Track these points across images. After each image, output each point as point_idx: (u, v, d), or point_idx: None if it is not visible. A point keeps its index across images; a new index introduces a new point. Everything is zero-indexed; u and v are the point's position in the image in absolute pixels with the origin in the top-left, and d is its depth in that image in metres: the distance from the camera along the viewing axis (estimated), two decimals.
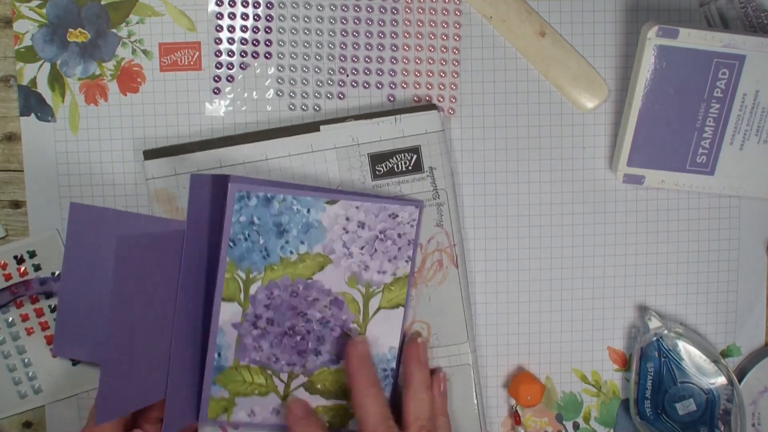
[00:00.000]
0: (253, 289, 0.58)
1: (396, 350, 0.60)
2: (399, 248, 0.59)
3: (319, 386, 0.60)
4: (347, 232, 0.59)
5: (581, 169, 0.64)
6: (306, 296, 0.59)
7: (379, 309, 0.60)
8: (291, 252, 0.58)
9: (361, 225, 0.59)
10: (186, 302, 0.56)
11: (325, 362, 0.59)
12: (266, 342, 0.58)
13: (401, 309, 0.60)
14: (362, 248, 0.59)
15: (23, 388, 0.64)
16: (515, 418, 0.65)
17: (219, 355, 0.58)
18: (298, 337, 0.59)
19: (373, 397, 0.55)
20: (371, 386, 0.56)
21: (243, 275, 0.58)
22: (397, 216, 0.59)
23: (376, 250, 0.59)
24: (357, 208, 0.58)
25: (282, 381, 0.59)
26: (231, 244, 0.57)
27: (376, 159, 0.61)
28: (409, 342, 0.60)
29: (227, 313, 0.58)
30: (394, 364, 0.60)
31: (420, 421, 0.56)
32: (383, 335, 0.60)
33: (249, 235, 0.57)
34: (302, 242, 0.58)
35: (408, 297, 0.60)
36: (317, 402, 0.60)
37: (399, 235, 0.59)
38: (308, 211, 0.58)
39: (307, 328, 0.59)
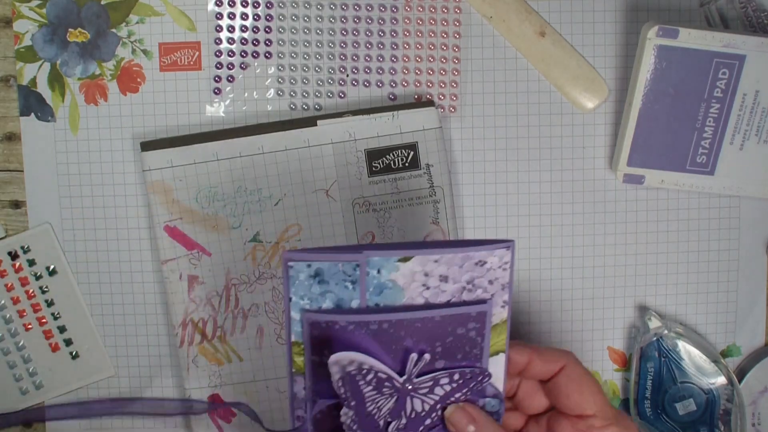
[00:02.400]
0: None
1: (502, 394, 0.53)
2: (492, 295, 0.51)
3: None
4: (428, 288, 0.50)
5: (581, 169, 0.64)
6: None
7: None
8: None
9: (444, 278, 0.50)
10: None
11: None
12: None
13: (502, 355, 0.52)
14: (448, 302, 0.51)
15: (24, 384, 0.64)
16: None
17: None
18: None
19: None
20: None
21: None
22: (485, 263, 0.50)
23: (464, 302, 0.51)
24: (436, 261, 0.50)
25: None
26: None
27: (373, 155, 0.61)
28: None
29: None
30: (502, 409, 0.53)
31: None
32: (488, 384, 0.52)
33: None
34: (377, 305, 0.50)
35: (507, 342, 0.52)
36: None
37: (490, 282, 0.51)
38: (378, 272, 0.49)
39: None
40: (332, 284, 0.50)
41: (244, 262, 0.62)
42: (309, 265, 0.49)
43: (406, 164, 0.61)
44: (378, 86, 0.63)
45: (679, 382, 0.63)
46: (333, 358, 0.49)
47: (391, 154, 0.61)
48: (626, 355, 0.66)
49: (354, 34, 0.63)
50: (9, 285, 0.63)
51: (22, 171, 0.63)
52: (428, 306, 0.50)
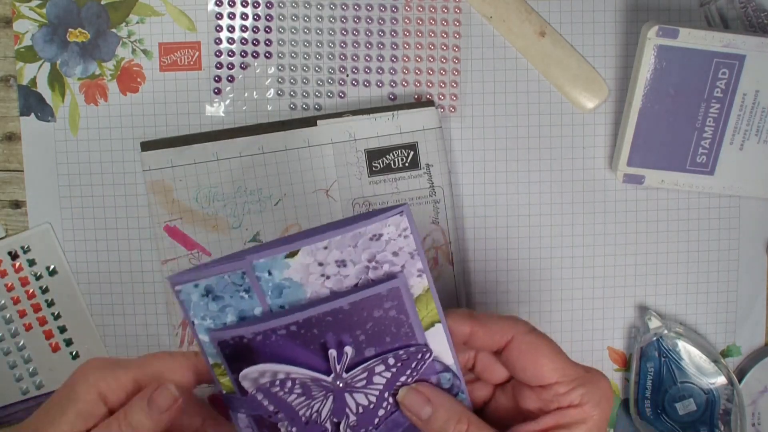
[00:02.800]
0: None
1: (455, 366, 0.49)
2: (402, 266, 0.47)
3: None
4: (328, 277, 0.46)
5: (581, 169, 0.64)
6: None
7: None
8: None
9: (342, 263, 0.46)
10: None
11: None
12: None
13: (439, 326, 0.48)
14: (356, 286, 0.47)
15: (25, 384, 0.64)
16: None
17: None
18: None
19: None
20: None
21: None
22: (381, 235, 0.46)
23: (373, 281, 0.47)
24: (325, 248, 0.46)
25: None
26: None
27: (373, 155, 0.61)
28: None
29: None
30: (459, 382, 0.49)
31: None
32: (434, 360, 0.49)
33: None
34: (282, 307, 0.46)
35: (439, 310, 0.48)
36: None
37: (395, 253, 0.47)
38: (269, 273, 0.46)
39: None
40: (227, 298, 0.47)
41: None
42: (196, 285, 0.46)
43: (406, 164, 0.61)
44: (378, 86, 0.63)
45: (679, 382, 0.63)
46: (241, 374, 0.46)
47: (391, 154, 0.61)
48: (626, 355, 0.66)
49: (354, 34, 0.63)
50: (9, 285, 0.63)
51: (22, 171, 0.63)
52: (335, 295, 0.47)
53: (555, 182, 0.64)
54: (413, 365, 0.47)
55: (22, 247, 0.63)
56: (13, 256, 0.63)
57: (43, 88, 0.62)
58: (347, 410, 0.48)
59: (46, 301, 0.63)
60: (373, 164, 0.61)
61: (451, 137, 0.63)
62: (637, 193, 0.64)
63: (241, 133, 0.61)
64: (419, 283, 0.47)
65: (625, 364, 0.66)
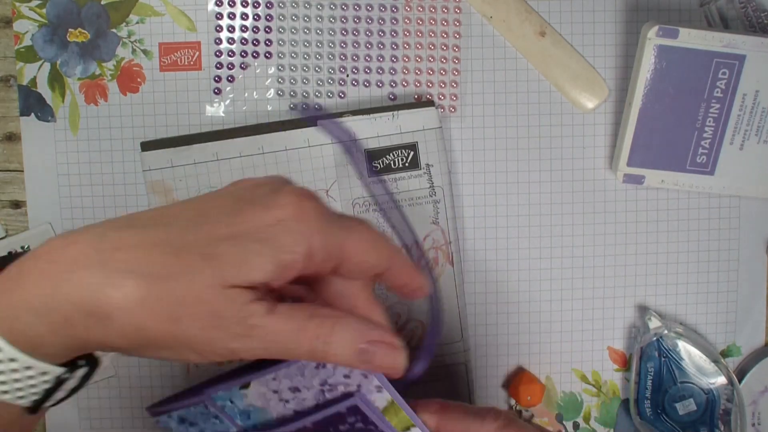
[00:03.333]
0: None
1: None
2: (358, 386, 0.45)
3: None
4: (287, 401, 0.46)
5: (581, 169, 0.64)
6: None
7: None
8: None
9: (295, 389, 0.46)
10: None
11: None
12: None
13: (415, 429, 0.47)
14: (317, 406, 0.46)
15: None
16: None
17: None
18: None
19: None
20: None
21: None
22: (324, 365, 0.45)
23: (330, 401, 0.46)
24: (274, 379, 0.45)
25: None
26: None
27: (373, 155, 0.61)
28: None
29: None
30: None
31: None
32: None
33: None
34: (255, 426, 0.47)
35: (411, 416, 0.46)
36: None
37: (346, 376, 0.45)
38: (231, 402, 0.47)
39: None
40: (201, 423, 0.48)
41: None
42: (170, 416, 0.49)
43: (406, 164, 0.61)
44: (378, 86, 0.63)
45: (679, 382, 0.63)
46: None
47: (391, 154, 0.61)
48: (626, 355, 0.66)
49: (354, 34, 0.63)
50: None
51: (22, 171, 0.63)
52: (299, 415, 0.47)
53: (555, 182, 0.64)
54: None
55: (22, 247, 0.63)
56: (13, 256, 0.63)
57: (43, 88, 0.62)
58: None
59: None
60: (373, 164, 0.61)
61: (451, 137, 0.63)
62: (637, 193, 0.64)
63: (241, 133, 0.61)
64: (381, 397, 0.46)
65: (625, 364, 0.66)
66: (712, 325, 0.65)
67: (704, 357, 0.63)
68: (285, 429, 0.46)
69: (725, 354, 0.66)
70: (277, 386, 0.46)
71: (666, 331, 0.63)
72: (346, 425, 0.46)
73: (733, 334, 0.65)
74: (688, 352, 0.63)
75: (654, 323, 0.63)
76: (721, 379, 0.63)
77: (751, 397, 0.65)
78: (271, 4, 0.62)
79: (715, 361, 0.63)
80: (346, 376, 0.45)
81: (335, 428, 0.46)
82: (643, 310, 0.65)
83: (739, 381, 0.65)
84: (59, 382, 0.40)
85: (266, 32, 0.63)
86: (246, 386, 0.46)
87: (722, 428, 0.63)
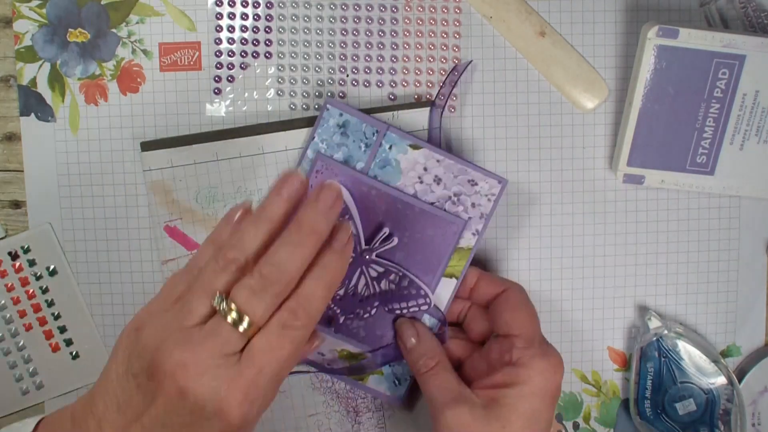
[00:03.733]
0: None
1: (436, 321, 0.59)
2: (470, 218, 0.57)
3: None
4: (422, 182, 0.57)
5: (581, 169, 0.64)
6: None
7: None
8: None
9: (437, 180, 0.57)
10: None
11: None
12: None
13: (455, 280, 0.58)
14: (432, 204, 0.57)
15: (25, 384, 0.64)
16: None
17: None
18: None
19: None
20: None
21: None
22: (476, 184, 0.57)
23: (445, 210, 0.57)
24: (438, 161, 0.57)
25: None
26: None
27: None
28: None
29: None
30: (444, 331, 0.58)
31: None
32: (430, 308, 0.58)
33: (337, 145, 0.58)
34: (375, 177, 0.58)
35: (464, 271, 0.58)
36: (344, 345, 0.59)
37: (473, 204, 0.57)
38: (390, 148, 0.57)
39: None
40: (350, 140, 0.58)
41: None
42: (341, 114, 0.58)
43: None
44: (378, 86, 0.63)
45: (679, 382, 0.63)
46: (328, 181, 0.55)
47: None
48: (626, 355, 0.66)
49: (354, 34, 0.63)
50: (9, 285, 0.63)
51: (22, 171, 0.63)
52: (415, 197, 0.57)
53: (555, 182, 0.64)
54: (410, 303, 0.57)
55: (22, 247, 0.63)
56: (13, 256, 0.63)
57: (43, 88, 0.62)
58: (346, 281, 0.57)
59: (46, 301, 0.63)
60: None
61: (451, 137, 0.63)
62: (637, 193, 0.64)
63: (241, 133, 0.61)
64: (469, 239, 0.58)
65: (625, 364, 0.66)
66: (712, 325, 0.65)
67: (704, 357, 0.63)
68: (397, 192, 0.57)
69: (725, 354, 0.66)
70: (432, 166, 0.57)
71: (666, 331, 0.63)
72: (431, 233, 0.57)
73: (733, 334, 0.65)
74: (688, 352, 0.63)
75: (654, 323, 0.63)
76: (721, 379, 0.63)
77: (751, 397, 0.65)
78: (271, 4, 0.62)
79: (715, 361, 0.63)
80: (473, 205, 0.57)
81: (424, 226, 0.57)
82: (643, 310, 0.65)
83: (739, 381, 0.65)
84: None
85: (266, 32, 0.63)
86: (416, 148, 0.58)
87: (722, 428, 0.63)
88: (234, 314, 0.44)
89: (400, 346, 0.57)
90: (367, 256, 0.56)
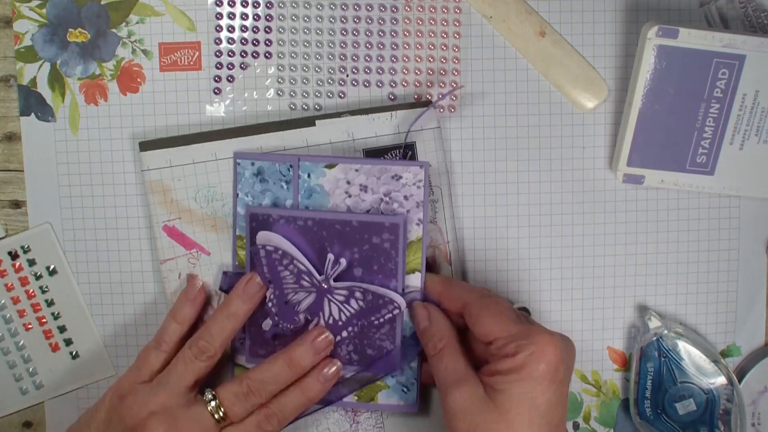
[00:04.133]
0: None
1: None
2: (407, 211, 0.58)
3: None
4: (350, 195, 0.58)
5: (581, 169, 0.64)
6: None
7: None
8: None
9: (363, 188, 0.58)
10: None
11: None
12: None
13: (418, 274, 0.59)
14: (368, 212, 0.58)
15: (24, 384, 0.64)
16: None
17: None
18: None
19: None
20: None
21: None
22: (401, 177, 0.58)
23: (382, 213, 0.58)
24: (357, 170, 0.58)
25: None
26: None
27: (371, 155, 0.61)
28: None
29: None
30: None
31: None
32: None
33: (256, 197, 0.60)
34: (306, 207, 0.59)
35: (423, 261, 0.59)
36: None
37: (405, 197, 0.58)
38: (308, 176, 0.58)
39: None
40: (271, 183, 0.59)
41: None
42: (253, 164, 0.59)
43: None
44: (378, 86, 0.63)
45: (679, 382, 0.63)
46: (260, 234, 0.58)
47: (389, 154, 0.61)
48: (626, 355, 0.65)
49: (354, 34, 0.63)
50: (9, 285, 0.63)
51: (22, 171, 0.63)
52: (350, 212, 0.58)
53: (555, 182, 0.64)
54: (382, 312, 0.58)
55: (22, 247, 0.63)
56: (13, 256, 0.63)
57: (43, 88, 0.62)
58: (321, 314, 0.58)
59: (46, 300, 0.63)
60: None
61: (451, 137, 0.63)
62: (637, 193, 0.64)
63: (240, 133, 0.61)
64: (416, 230, 0.58)
65: (625, 364, 0.66)
66: (712, 325, 0.65)
67: (704, 357, 0.63)
68: (331, 214, 0.57)
69: (725, 354, 0.65)
70: (353, 177, 0.58)
71: (666, 331, 0.63)
72: (378, 239, 0.57)
73: (733, 334, 0.65)
74: (688, 352, 0.63)
75: (654, 323, 0.63)
76: (721, 379, 0.63)
77: (751, 397, 0.65)
78: (271, 4, 0.62)
79: (715, 361, 0.63)
80: (405, 198, 0.58)
81: (369, 236, 0.57)
82: (643, 310, 0.65)
83: (739, 381, 0.65)
84: None
85: (266, 32, 0.63)
86: (331, 166, 0.58)
87: (722, 428, 0.63)
88: (220, 411, 0.56)
89: (415, 329, 0.59)
90: (325, 285, 0.58)
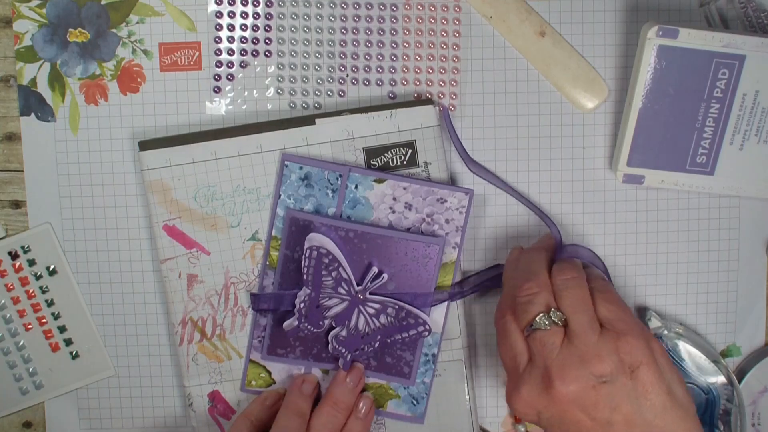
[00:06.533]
0: None
1: (438, 336, 0.61)
2: (447, 234, 0.60)
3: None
4: (394, 212, 0.60)
5: (581, 169, 0.64)
6: None
7: None
8: None
9: (408, 206, 0.60)
10: None
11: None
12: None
13: (446, 293, 0.60)
14: (408, 230, 0.60)
15: (24, 384, 0.64)
16: (515, 417, 0.65)
17: None
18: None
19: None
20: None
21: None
22: (445, 201, 0.60)
23: (422, 233, 0.60)
24: (405, 188, 0.59)
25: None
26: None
27: (371, 153, 0.61)
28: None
29: None
30: (435, 350, 0.61)
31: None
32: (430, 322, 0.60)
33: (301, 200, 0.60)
34: (348, 218, 0.60)
35: (453, 284, 0.60)
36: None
37: (447, 221, 0.60)
38: (356, 187, 0.59)
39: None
40: (316, 189, 0.60)
41: (243, 261, 0.62)
42: (301, 168, 0.60)
43: (404, 162, 0.61)
44: (378, 85, 0.63)
45: None
46: (312, 236, 0.58)
47: (389, 152, 0.61)
48: None
49: (354, 34, 0.63)
50: (9, 285, 0.63)
51: (22, 171, 0.63)
52: (392, 228, 0.60)
53: (555, 182, 0.64)
54: (410, 332, 0.59)
55: (22, 247, 0.63)
56: (13, 256, 0.63)
57: (43, 88, 0.62)
58: (347, 323, 0.59)
59: (46, 300, 0.64)
60: (371, 162, 0.61)
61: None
62: (637, 193, 0.64)
63: (240, 132, 0.61)
64: (451, 253, 0.60)
65: None
66: (712, 325, 0.65)
67: (704, 357, 0.63)
68: (374, 229, 0.59)
69: (725, 354, 0.65)
70: (400, 195, 0.60)
71: (666, 331, 0.63)
72: (417, 258, 0.59)
73: (733, 334, 0.65)
74: (688, 352, 0.63)
75: (654, 323, 0.63)
76: (721, 379, 0.63)
77: (751, 397, 0.65)
78: (271, 3, 0.62)
79: (715, 361, 0.63)
80: (447, 221, 0.60)
81: (407, 254, 0.59)
82: (643, 310, 0.65)
83: (739, 381, 0.65)
84: None
85: (266, 31, 0.63)
86: (380, 181, 0.60)
87: (722, 428, 0.63)
88: None
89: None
90: (361, 296, 0.59)
